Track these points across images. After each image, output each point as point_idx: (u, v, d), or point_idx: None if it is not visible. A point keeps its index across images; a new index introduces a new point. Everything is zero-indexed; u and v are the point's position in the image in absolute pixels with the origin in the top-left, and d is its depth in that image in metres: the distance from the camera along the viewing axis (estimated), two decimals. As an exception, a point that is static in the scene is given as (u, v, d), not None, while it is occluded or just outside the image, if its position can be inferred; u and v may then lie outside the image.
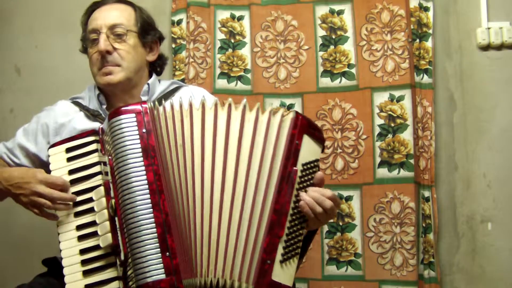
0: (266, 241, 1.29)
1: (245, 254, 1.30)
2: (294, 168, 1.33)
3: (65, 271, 1.32)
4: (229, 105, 1.37)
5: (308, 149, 1.36)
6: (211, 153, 1.34)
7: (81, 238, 1.34)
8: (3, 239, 2.29)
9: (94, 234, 1.32)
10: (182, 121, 1.36)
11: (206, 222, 1.31)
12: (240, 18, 2.23)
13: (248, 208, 1.32)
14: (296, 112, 1.37)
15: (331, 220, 2.10)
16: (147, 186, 1.27)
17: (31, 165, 1.62)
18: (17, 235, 2.28)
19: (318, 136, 1.39)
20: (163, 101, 1.40)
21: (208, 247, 1.31)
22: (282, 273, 1.29)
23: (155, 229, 1.25)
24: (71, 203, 1.36)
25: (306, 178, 1.36)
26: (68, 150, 1.41)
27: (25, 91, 2.32)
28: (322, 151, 1.41)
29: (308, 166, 1.36)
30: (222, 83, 2.19)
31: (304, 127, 1.36)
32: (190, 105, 1.36)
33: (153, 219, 1.25)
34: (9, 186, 1.43)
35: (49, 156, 1.42)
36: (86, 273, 1.31)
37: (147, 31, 1.67)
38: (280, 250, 1.30)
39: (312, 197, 1.33)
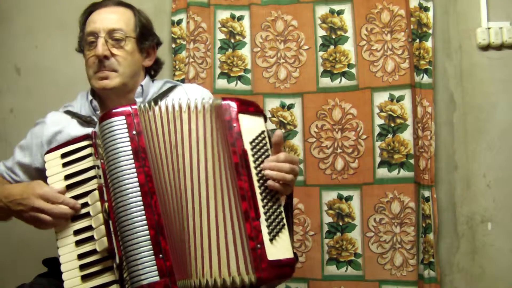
0: (247, 228, 1.30)
1: (236, 248, 1.30)
2: (243, 149, 1.34)
3: (64, 276, 1.32)
4: (188, 107, 1.38)
5: (250, 126, 1.39)
6: (188, 154, 1.36)
7: (78, 243, 1.34)
8: (3, 239, 2.29)
9: (91, 238, 1.32)
10: (174, 122, 1.37)
11: (197, 222, 1.32)
12: (240, 18, 2.23)
13: (223, 203, 1.33)
14: (223, 98, 1.40)
15: (331, 220, 2.11)
16: (138, 188, 1.28)
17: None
18: (17, 235, 2.28)
19: (253, 110, 1.41)
20: (158, 101, 1.40)
21: (201, 247, 1.31)
22: (276, 249, 1.31)
23: (147, 232, 1.26)
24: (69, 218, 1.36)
25: (260, 153, 1.38)
26: (63, 155, 1.41)
27: (25, 91, 2.32)
28: (266, 120, 1.44)
29: (257, 141, 1.38)
30: (222, 83, 2.19)
31: (236, 108, 1.38)
32: (180, 107, 1.38)
33: (145, 221, 1.26)
34: (9, 203, 1.43)
35: (45, 162, 1.42)
36: (84, 278, 1.31)
37: (145, 36, 1.66)
38: (265, 230, 1.31)
39: (269, 168, 1.35)
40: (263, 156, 1.38)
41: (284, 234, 1.33)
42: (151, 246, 1.25)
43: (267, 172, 1.35)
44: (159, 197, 1.29)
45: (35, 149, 1.64)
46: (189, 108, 1.38)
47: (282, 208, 1.36)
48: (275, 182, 1.35)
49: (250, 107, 1.41)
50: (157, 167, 1.33)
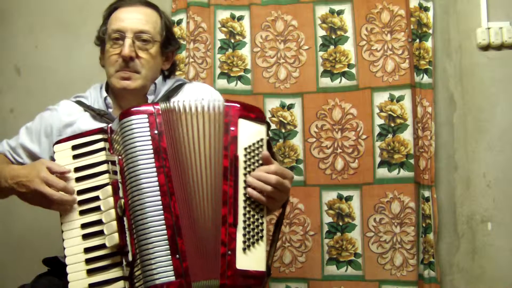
0: (222, 233, 1.30)
1: (213, 251, 1.30)
2: (235, 155, 1.34)
3: (68, 269, 1.32)
4: (196, 108, 1.38)
5: (248, 132, 1.37)
6: (198, 156, 1.36)
7: (85, 236, 1.34)
8: (3, 239, 2.29)
9: (100, 233, 1.32)
10: (192, 123, 1.37)
11: (203, 224, 1.33)
12: (240, 18, 2.23)
13: (208, 206, 1.33)
14: (227, 100, 1.39)
15: (331, 220, 2.11)
16: (158, 188, 1.29)
17: None
18: (17, 235, 2.28)
19: (254, 117, 1.39)
20: (168, 100, 1.40)
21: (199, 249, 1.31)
22: (248, 260, 1.30)
23: (165, 231, 1.26)
24: (74, 204, 1.36)
25: (253, 160, 1.36)
26: (74, 147, 1.41)
27: (25, 91, 2.32)
28: (269, 129, 1.42)
29: (252, 148, 1.37)
30: (222, 83, 2.19)
31: (236, 112, 1.37)
32: (196, 108, 1.38)
33: (163, 221, 1.27)
34: (13, 184, 1.43)
35: (54, 152, 1.42)
36: (90, 272, 1.31)
37: (169, 41, 1.67)
38: (240, 238, 1.30)
39: (256, 177, 1.34)
40: (256, 164, 1.36)
41: (260, 246, 1.32)
42: (167, 246, 1.25)
43: (249, 179, 1.33)
44: (180, 199, 1.30)
45: (44, 138, 1.63)
46: (202, 109, 1.38)
47: (263, 220, 1.34)
48: (254, 191, 1.33)
49: (252, 113, 1.39)
50: (181, 168, 1.33)
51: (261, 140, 1.38)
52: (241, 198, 1.33)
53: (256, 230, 1.33)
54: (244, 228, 1.31)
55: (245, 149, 1.36)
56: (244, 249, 1.30)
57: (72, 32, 2.28)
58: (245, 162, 1.35)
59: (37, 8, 2.34)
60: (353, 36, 2.17)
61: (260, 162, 1.36)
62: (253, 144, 1.37)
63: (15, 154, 1.65)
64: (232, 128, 1.35)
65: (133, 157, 1.30)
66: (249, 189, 1.33)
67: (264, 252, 1.33)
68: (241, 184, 1.33)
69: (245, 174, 1.34)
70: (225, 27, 2.22)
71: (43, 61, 2.32)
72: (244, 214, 1.32)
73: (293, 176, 1.43)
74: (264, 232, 1.33)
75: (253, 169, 1.35)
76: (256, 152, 1.37)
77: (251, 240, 1.31)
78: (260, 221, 1.34)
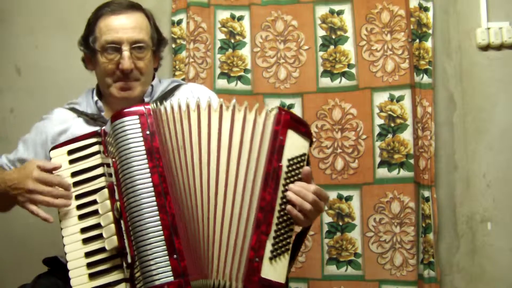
0: (254, 238, 1.30)
1: (235, 253, 1.31)
2: (279, 164, 1.34)
3: (71, 274, 1.32)
4: (221, 106, 1.38)
5: (294, 144, 1.37)
6: (206, 154, 1.35)
7: (86, 241, 1.34)
8: (3, 239, 2.29)
9: (99, 236, 1.32)
10: (189, 122, 1.37)
11: (207, 223, 1.33)
12: (240, 18, 2.24)
13: (237, 207, 1.33)
14: (280, 108, 1.38)
15: (331, 220, 2.11)
16: (152, 188, 1.28)
17: None
18: (17, 235, 2.28)
19: (303, 131, 1.39)
20: (164, 101, 1.40)
21: (212, 248, 1.32)
22: (272, 270, 1.30)
23: (161, 232, 1.26)
24: (70, 201, 1.36)
25: (293, 173, 1.36)
26: (70, 152, 1.41)
27: (25, 91, 2.32)
28: (311, 145, 1.41)
29: (295, 161, 1.37)
30: (222, 83, 2.19)
31: (287, 122, 1.37)
32: (188, 106, 1.37)
33: (159, 222, 1.26)
34: (7, 188, 1.43)
35: (50, 158, 1.42)
36: (92, 276, 1.31)
37: (160, 43, 1.67)
38: (268, 247, 1.30)
39: (296, 192, 1.34)
40: (295, 178, 1.36)
41: (285, 258, 1.33)
42: (165, 247, 1.25)
43: (289, 194, 1.33)
44: (174, 198, 1.29)
45: (39, 149, 1.63)
46: (221, 107, 1.37)
47: (292, 234, 1.35)
48: (294, 209, 1.33)
49: (301, 126, 1.39)
50: (173, 167, 1.33)
51: (304, 155, 1.38)
52: (276, 208, 1.33)
53: (284, 242, 1.33)
54: (274, 238, 1.31)
55: (289, 160, 1.36)
56: (270, 259, 1.30)
57: (72, 32, 2.27)
58: (286, 173, 1.35)
59: (37, 8, 2.34)
60: (353, 36, 2.17)
61: (300, 176, 1.36)
62: (296, 157, 1.37)
63: (13, 167, 1.65)
64: (280, 137, 1.35)
65: (126, 159, 1.30)
66: (289, 206, 1.33)
67: (287, 265, 1.33)
68: (279, 194, 1.33)
69: (284, 185, 1.34)
70: (225, 27, 2.22)
71: (43, 61, 2.32)
72: (277, 224, 1.32)
73: (328, 197, 1.43)
74: (290, 245, 1.34)
75: (292, 182, 1.36)
76: (298, 165, 1.37)
77: (278, 251, 1.32)
78: (289, 233, 1.34)
